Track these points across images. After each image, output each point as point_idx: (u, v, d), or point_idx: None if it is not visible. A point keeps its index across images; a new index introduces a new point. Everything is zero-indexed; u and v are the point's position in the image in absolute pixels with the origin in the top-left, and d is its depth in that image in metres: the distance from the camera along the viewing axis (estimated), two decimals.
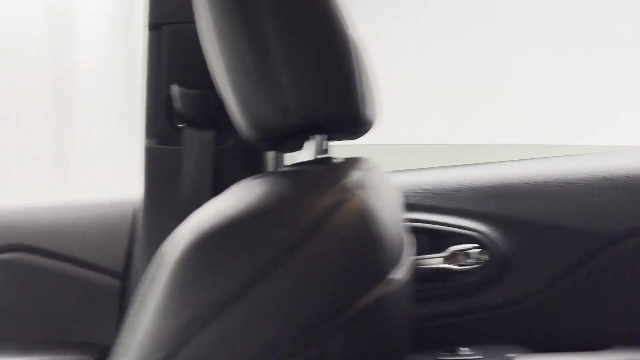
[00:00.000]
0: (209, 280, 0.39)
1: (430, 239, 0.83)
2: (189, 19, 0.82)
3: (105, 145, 2.37)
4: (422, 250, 0.82)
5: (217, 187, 0.89)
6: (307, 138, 0.49)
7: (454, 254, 0.81)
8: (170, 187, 0.90)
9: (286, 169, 0.50)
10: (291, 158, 0.63)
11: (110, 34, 2.39)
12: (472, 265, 0.81)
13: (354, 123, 0.48)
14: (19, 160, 2.22)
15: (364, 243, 0.42)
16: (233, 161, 0.90)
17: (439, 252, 0.82)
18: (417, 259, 0.81)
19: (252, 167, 0.91)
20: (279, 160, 0.96)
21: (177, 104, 0.86)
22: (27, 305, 1.00)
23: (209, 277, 0.39)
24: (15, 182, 2.17)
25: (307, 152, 0.52)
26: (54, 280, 0.99)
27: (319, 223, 0.40)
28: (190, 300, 0.39)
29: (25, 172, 2.22)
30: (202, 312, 0.38)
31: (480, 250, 0.81)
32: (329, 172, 0.46)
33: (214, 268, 0.39)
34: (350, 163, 0.49)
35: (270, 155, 0.93)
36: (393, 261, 0.46)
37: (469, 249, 0.81)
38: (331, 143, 0.55)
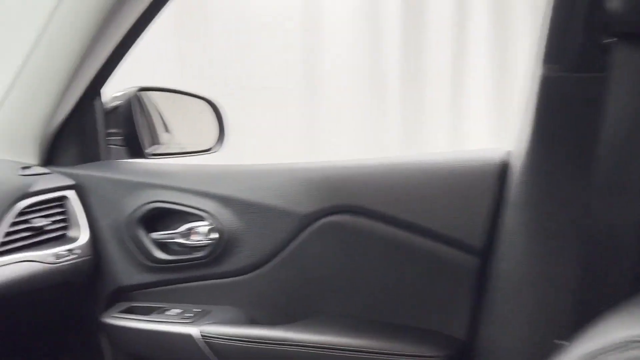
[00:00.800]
0: None
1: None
2: None
3: (344, 116, 2.56)
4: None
5: None
6: None
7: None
8: (575, 135, 0.65)
9: None
10: None
11: (354, 18, 2.56)
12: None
13: None
14: (274, 125, 2.44)
15: None
16: None
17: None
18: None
19: None
20: None
21: (613, 3, 0.56)
22: (358, 278, 0.84)
23: None
24: (271, 146, 2.36)
25: None
26: (391, 251, 0.82)
27: None
28: None
29: (278, 136, 2.44)
30: None
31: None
32: None
33: None
34: None
35: None
36: None
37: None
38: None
